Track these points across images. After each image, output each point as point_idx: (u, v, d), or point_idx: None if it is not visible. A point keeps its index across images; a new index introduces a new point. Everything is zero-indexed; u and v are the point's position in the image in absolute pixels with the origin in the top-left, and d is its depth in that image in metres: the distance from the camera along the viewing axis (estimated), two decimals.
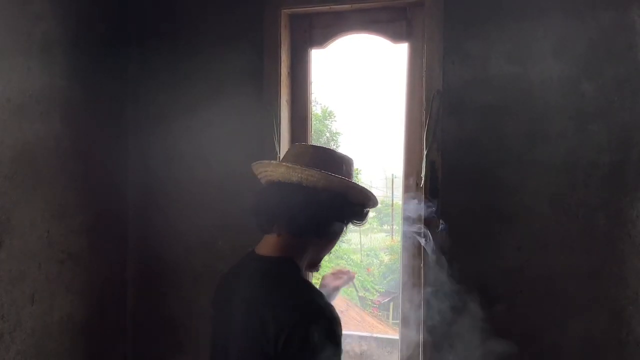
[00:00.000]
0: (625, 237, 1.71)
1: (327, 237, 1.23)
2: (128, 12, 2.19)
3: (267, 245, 1.23)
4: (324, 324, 1.07)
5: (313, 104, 2.22)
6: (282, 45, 2.04)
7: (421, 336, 1.89)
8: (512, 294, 1.80)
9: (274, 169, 1.22)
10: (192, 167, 2.16)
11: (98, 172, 2.05)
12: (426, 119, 1.87)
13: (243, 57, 2.08)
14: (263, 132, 2.04)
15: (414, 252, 1.95)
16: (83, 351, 1.99)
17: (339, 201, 1.19)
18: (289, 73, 2.11)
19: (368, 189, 1.24)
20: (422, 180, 1.87)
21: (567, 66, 1.75)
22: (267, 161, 1.27)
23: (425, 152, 1.86)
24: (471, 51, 1.83)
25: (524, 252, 1.79)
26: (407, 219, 1.91)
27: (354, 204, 1.23)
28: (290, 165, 1.18)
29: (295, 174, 1.16)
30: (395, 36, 2.00)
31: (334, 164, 1.23)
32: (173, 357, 2.21)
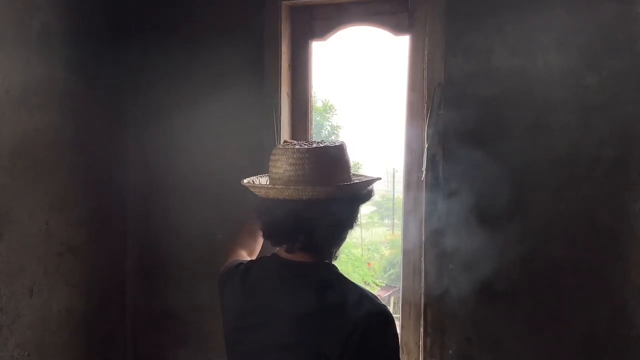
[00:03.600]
0: (627, 231, 1.70)
1: (347, 237, 1.24)
2: (127, 3, 2.18)
3: (293, 254, 1.19)
4: (391, 326, 1.10)
5: (314, 97, 2.20)
6: (282, 38, 2.02)
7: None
8: (514, 288, 1.79)
9: (280, 192, 1.13)
10: (192, 160, 2.15)
11: (97, 165, 2.04)
12: (428, 112, 1.85)
13: (243, 49, 2.07)
14: (263, 125, 2.03)
15: (415, 244, 1.95)
16: (82, 344, 1.99)
17: (355, 202, 1.21)
18: (289, 65, 2.09)
19: (371, 178, 1.25)
20: (424, 174, 1.86)
21: (570, 59, 1.74)
22: (265, 184, 1.20)
23: (426, 146, 1.85)
24: (473, 43, 1.81)
25: (526, 246, 1.78)
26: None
27: (365, 195, 1.24)
28: (300, 188, 1.12)
29: (305, 194, 1.11)
30: (397, 28, 1.98)
31: (339, 167, 1.19)
32: (172, 350, 2.21)
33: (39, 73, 1.75)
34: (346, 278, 1.19)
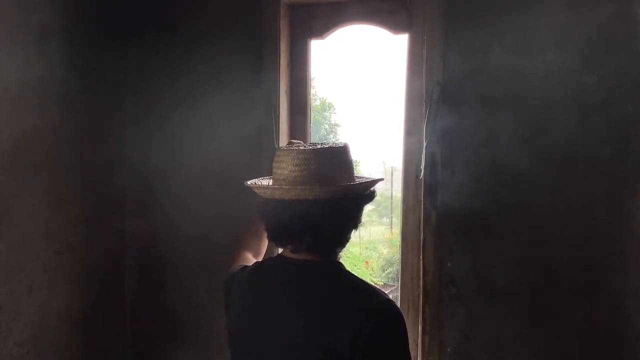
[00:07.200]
0: (625, 230, 1.70)
1: (351, 236, 1.25)
2: (126, 2, 2.18)
3: (299, 254, 1.20)
4: (400, 321, 1.11)
5: (312, 95, 2.21)
6: (281, 36, 2.02)
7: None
8: (512, 286, 1.79)
9: (286, 193, 1.14)
10: (191, 159, 2.15)
11: (96, 163, 2.04)
12: (426, 111, 1.86)
13: (242, 48, 2.07)
14: (262, 124, 2.03)
15: (413, 244, 1.95)
16: (81, 342, 1.99)
17: (360, 202, 1.22)
18: (288, 64, 2.09)
19: (374, 178, 1.26)
20: (422, 173, 1.86)
21: (569, 58, 1.74)
22: (270, 185, 1.20)
23: (424, 144, 1.85)
24: (472, 42, 1.81)
25: (524, 245, 1.78)
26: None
27: (369, 195, 1.25)
28: (306, 188, 1.12)
29: (312, 194, 1.12)
30: (396, 27, 1.99)
31: (344, 167, 1.21)
32: (171, 349, 2.21)
33: (38, 72, 1.75)
34: (354, 275, 1.19)
